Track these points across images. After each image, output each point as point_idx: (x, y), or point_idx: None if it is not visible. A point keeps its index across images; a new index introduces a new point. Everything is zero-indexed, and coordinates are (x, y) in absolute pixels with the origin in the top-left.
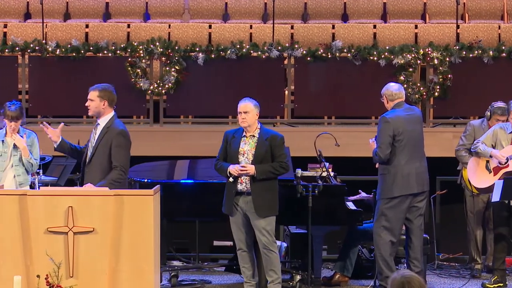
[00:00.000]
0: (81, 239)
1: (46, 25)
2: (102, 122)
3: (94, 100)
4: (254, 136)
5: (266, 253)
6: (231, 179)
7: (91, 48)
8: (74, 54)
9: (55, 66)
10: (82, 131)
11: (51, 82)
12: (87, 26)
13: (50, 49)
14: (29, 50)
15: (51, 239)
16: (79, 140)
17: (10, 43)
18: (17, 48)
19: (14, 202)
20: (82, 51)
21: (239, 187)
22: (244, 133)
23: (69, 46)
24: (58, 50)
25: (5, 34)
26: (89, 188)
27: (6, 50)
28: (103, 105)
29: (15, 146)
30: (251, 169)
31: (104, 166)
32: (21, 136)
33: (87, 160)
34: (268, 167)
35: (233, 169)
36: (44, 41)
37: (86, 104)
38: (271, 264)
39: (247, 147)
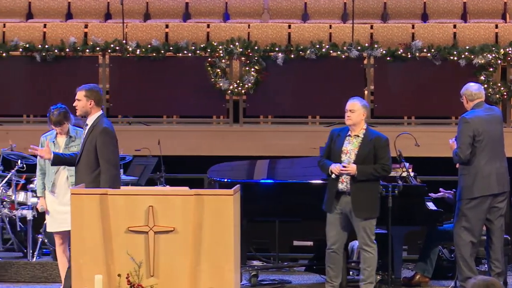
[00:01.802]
0: (162, 239)
1: (127, 25)
2: (90, 121)
3: (81, 99)
4: (358, 136)
5: (362, 252)
6: (333, 176)
7: (171, 48)
8: (154, 54)
9: (135, 66)
10: (162, 130)
11: (131, 82)
12: (167, 26)
13: (130, 49)
14: (109, 50)
15: (131, 238)
16: (159, 140)
17: (91, 43)
18: (97, 48)
19: (95, 201)
20: (162, 51)
21: (340, 186)
22: (349, 132)
23: (149, 46)
24: (138, 50)
25: (86, 34)
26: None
27: (87, 50)
28: (90, 104)
29: (66, 147)
30: (353, 169)
31: (91, 165)
32: (72, 135)
33: (77, 160)
34: (370, 169)
35: (334, 167)
36: (124, 41)
37: (74, 104)
38: (365, 263)
39: (350, 147)
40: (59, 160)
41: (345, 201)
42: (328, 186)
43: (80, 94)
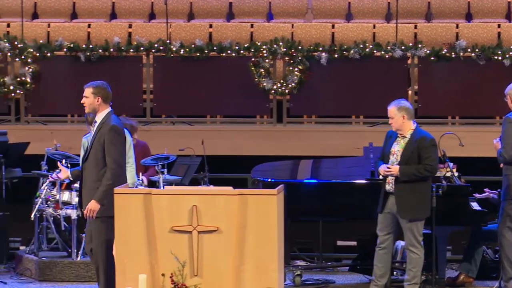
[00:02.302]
0: (205, 238)
1: (170, 25)
2: (98, 118)
3: (88, 97)
4: (405, 137)
5: (408, 252)
6: (380, 177)
7: (215, 48)
8: (197, 54)
9: (179, 66)
10: (206, 130)
11: (175, 82)
12: (210, 26)
13: (174, 49)
14: (153, 50)
15: (175, 238)
16: (203, 139)
17: (135, 43)
18: (141, 48)
19: (139, 201)
20: (206, 51)
21: (387, 187)
22: (398, 133)
23: (193, 46)
24: (182, 50)
25: (130, 34)
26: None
27: (131, 50)
28: (97, 101)
29: None
30: (395, 170)
31: (98, 162)
32: None
33: (84, 158)
34: (412, 169)
35: (381, 169)
36: (168, 41)
37: (81, 101)
38: (410, 264)
39: (397, 148)
40: (78, 172)
41: (392, 202)
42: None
43: (88, 91)
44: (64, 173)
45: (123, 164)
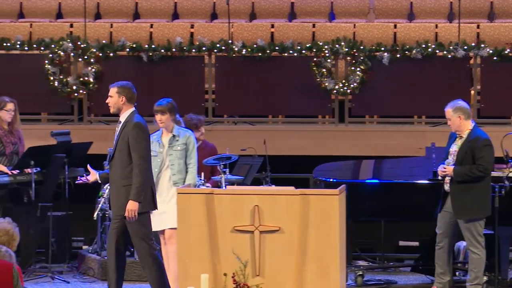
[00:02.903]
0: (267, 238)
1: (232, 25)
2: (123, 118)
3: (113, 96)
4: (462, 137)
5: (469, 252)
6: (439, 178)
7: (277, 48)
8: (259, 54)
9: (241, 66)
10: (268, 130)
11: (237, 82)
12: (272, 26)
13: (236, 49)
14: (215, 50)
15: (237, 237)
16: (265, 139)
17: (197, 43)
18: (203, 48)
19: (201, 201)
20: (268, 51)
21: (445, 187)
22: (457, 134)
23: (255, 46)
24: (244, 50)
25: (192, 34)
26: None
27: (193, 50)
28: (122, 101)
29: (170, 146)
30: (450, 170)
31: (124, 161)
32: (176, 134)
33: (111, 157)
34: (465, 170)
35: (438, 169)
36: (230, 41)
37: (106, 101)
38: (471, 264)
39: (455, 148)
40: (106, 175)
41: (450, 202)
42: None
43: (113, 90)
44: (92, 175)
45: (149, 159)
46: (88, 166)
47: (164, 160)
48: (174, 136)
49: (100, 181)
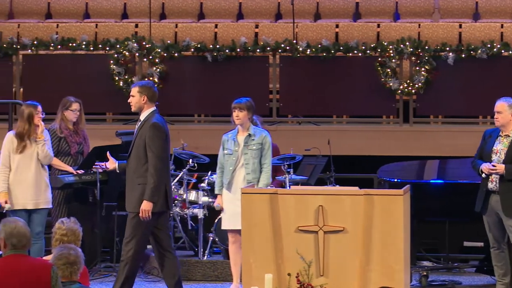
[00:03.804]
0: (332, 238)
1: (297, 25)
2: (142, 117)
3: (134, 95)
4: (509, 136)
5: None
6: (483, 176)
7: (341, 48)
8: (324, 54)
9: (305, 66)
10: (332, 130)
11: (301, 82)
12: (337, 26)
13: (300, 49)
14: (279, 50)
15: (301, 238)
16: (329, 139)
17: (262, 43)
18: (268, 48)
19: (265, 201)
20: (332, 51)
21: (490, 185)
22: (500, 133)
23: (319, 46)
24: (308, 50)
25: (256, 34)
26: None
27: (258, 50)
28: (143, 100)
29: (245, 145)
30: (501, 168)
31: (140, 159)
32: (252, 134)
33: (128, 154)
34: None
35: (484, 166)
36: (294, 41)
37: (128, 101)
38: None
39: (500, 146)
40: (124, 166)
41: (495, 200)
42: (480, 185)
43: (134, 90)
44: (111, 163)
45: (165, 159)
46: (108, 154)
47: (239, 159)
48: (250, 135)
49: (118, 171)
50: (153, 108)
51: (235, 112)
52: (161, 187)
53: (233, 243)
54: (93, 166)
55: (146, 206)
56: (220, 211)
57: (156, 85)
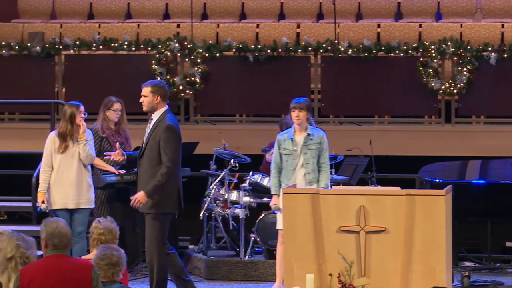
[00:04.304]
0: (373, 239)
1: (339, 25)
2: (155, 116)
3: (147, 96)
4: None
5: None
6: None
7: (383, 48)
8: (366, 54)
9: (347, 66)
10: (374, 130)
11: (343, 82)
12: (378, 26)
13: (342, 49)
14: (321, 50)
15: (343, 238)
16: (371, 139)
17: (303, 43)
18: (309, 48)
19: (307, 201)
20: (374, 51)
21: None
22: None
23: (361, 46)
24: (350, 50)
25: (298, 34)
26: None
27: (299, 50)
28: (156, 100)
29: (304, 145)
30: None
31: (153, 160)
32: (310, 133)
33: (139, 155)
34: None
35: None
36: (336, 41)
37: (140, 100)
38: None
39: None
40: (134, 158)
41: None
42: None
43: (146, 90)
44: (119, 154)
45: (179, 162)
46: (117, 145)
47: (298, 159)
48: (308, 134)
49: (125, 163)
50: (166, 107)
51: (294, 112)
52: (173, 189)
53: (282, 244)
54: (105, 157)
55: (142, 199)
56: (268, 211)
57: (197, 85)
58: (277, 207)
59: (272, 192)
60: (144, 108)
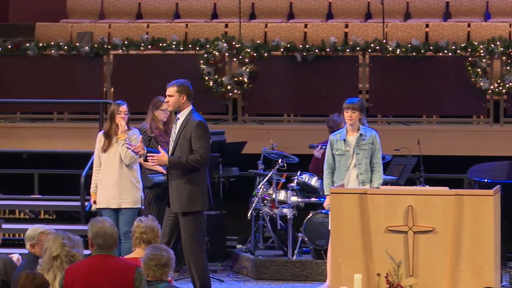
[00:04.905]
0: (421, 239)
1: (387, 25)
2: (182, 116)
3: (173, 95)
4: None
5: None
6: None
7: (431, 47)
8: (414, 53)
9: (395, 65)
10: (422, 130)
11: (391, 82)
12: (427, 25)
13: (390, 48)
14: (369, 50)
15: (391, 238)
16: (419, 139)
17: (351, 43)
18: (357, 48)
19: (354, 201)
20: (422, 51)
21: None
22: None
23: (409, 45)
24: (398, 50)
25: (346, 34)
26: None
27: (347, 50)
28: (182, 99)
29: (357, 145)
30: None
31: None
32: (363, 134)
33: (170, 154)
34: None
35: None
36: (384, 41)
37: (165, 100)
38: None
39: None
40: (154, 153)
41: None
42: None
43: (172, 89)
44: (141, 149)
45: (209, 160)
46: (140, 138)
47: (351, 159)
48: (361, 135)
49: (143, 158)
50: (191, 107)
51: (347, 113)
52: (204, 187)
53: None
54: (127, 147)
55: (162, 158)
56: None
57: (245, 85)
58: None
59: (325, 193)
60: (170, 108)
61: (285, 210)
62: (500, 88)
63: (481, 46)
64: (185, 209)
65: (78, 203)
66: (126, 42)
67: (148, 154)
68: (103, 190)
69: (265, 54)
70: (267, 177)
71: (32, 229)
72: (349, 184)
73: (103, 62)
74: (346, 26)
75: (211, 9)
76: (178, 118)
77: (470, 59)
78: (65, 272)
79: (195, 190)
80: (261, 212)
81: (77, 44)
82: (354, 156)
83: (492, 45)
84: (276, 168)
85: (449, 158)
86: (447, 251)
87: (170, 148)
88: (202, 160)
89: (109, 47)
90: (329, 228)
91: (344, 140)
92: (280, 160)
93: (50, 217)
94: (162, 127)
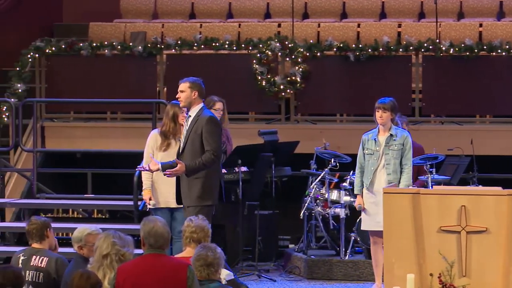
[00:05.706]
0: (474, 239)
1: (440, 24)
2: (193, 112)
3: (185, 91)
4: None
5: None
6: None
7: (485, 47)
8: (467, 53)
9: (448, 65)
10: (475, 130)
11: (444, 82)
12: (480, 25)
13: (443, 48)
14: (422, 50)
15: (443, 238)
16: (472, 139)
17: (404, 42)
18: (411, 48)
19: (407, 200)
20: (476, 50)
21: None
22: None
23: (462, 45)
24: (451, 49)
25: (399, 33)
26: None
27: (400, 50)
28: (194, 95)
29: (386, 145)
30: None
31: (196, 153)
32: (393, 134)
33: (180, 151)
34: None
35: None
36: (437, 40)
37: (177, 96)
38: None
39: None
40: (169, 166)
41: None
42: None
43: (184, 85)
44: (154, 165)
45: (221, 155)
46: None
47: (380, 159)
48: (391, 135)
49: (162, 171)
50: (202, 104)
51: (378, 112)
52: (216, 182)
53: (374, 244)
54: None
55: (181, 170)
56: (360, 211)
57: (298, 85)
58: (361, 207)
59: (356, 192)
60: (181, 104)
61: (338, 210)
62: None
63: None
64: (197, 203)
65: (131, 203)
66: (179, 42)
67: (166, 171)
68: (163, 189)
69: (318, 54)
70: (320, 177)
71: (79, 230)
72: (377, 185)
73: (156, 61)
74: (399, 26)
75: (264, 8)
76: (190, 115)
77: None
78: (116, 271)
79: (207, 185)
80: (313, 211)
81: (131, 44)
82: (383, 156)
83: None
84: (328, 167)
85: (503, 158)
86: (500, 251)
87: (181, 144)
88: (216, 158)
89: (162, 47)
90: (362, 228)
91: (375, 140)
92: (332, 160)
93: (103, 217)
94: None
